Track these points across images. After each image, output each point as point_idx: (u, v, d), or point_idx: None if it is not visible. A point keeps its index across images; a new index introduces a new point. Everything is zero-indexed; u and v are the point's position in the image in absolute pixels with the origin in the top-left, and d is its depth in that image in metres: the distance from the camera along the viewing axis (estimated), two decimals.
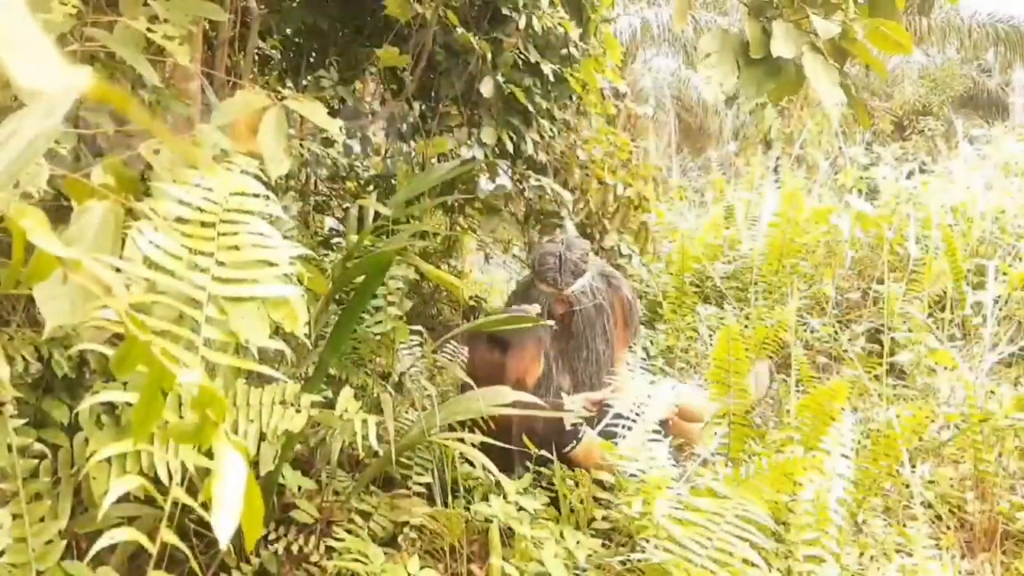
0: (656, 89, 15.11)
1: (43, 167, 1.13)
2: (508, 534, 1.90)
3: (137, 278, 0.93)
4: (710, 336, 3.76)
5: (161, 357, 0.67)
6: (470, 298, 4.02)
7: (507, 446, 2.12)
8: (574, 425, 2.30)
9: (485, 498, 2.01)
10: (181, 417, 1.28)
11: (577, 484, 2.07)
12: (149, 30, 1.40)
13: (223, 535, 0.63)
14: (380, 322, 2.38)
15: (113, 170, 1.15)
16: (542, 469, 2.21)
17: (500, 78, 3.33)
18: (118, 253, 1.01)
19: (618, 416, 2.32)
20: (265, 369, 1.04)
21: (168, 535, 0.98)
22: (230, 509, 0.63)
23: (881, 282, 4.01)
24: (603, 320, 2.77)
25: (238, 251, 1.08)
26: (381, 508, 2.00)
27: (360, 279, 2.04)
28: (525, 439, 2.17)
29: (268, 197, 1.19)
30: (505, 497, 1.91)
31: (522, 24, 3.37)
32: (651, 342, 3.82)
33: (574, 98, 3.85)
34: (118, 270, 0.90)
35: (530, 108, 3.46)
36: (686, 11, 2.33)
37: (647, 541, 1.75)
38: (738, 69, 2.02)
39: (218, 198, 1.12)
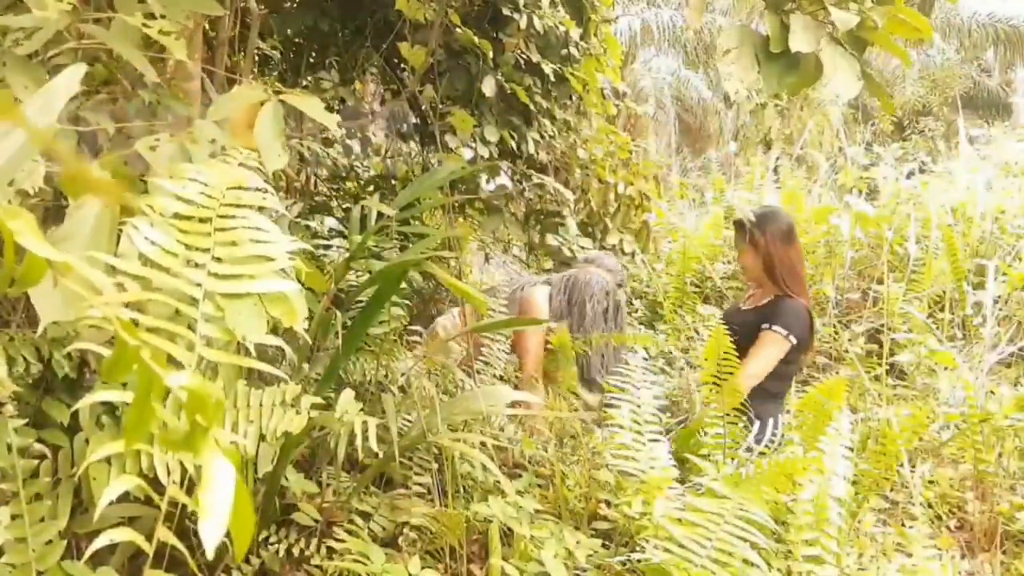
0: (656, 89, 15.08)
1: (40, 165, 1.13)
2: (508, 534, 1.89)
3: (132, 276, 0.92)
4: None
5: (151, 362, 0.66)
6: None
7: None
8: None
9: (485, 498, 2.01)
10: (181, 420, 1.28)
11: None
12: (145, 25, 1.39)
13: (209, 543, 0.62)
14: (384, 322, 2.38)
15: (111, 167, 1.14)
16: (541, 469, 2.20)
17: (501, 78, 3.33)
18: (113, 250, 1.00)
19: None
20: (268, 368, 1.03)
21: (165, 534, 0.98)
22: (217, 518, 0.63)
23: (881, 282, 4.00)
24: None
25: (235, 246, 1.07)
26: (381, 509, 1.99)
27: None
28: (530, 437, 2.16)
29: (266, 192, 1.18)
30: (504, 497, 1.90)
31: (523, 24, 3.37)
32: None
33: (574, 98, 3.86)
34: (113, 267, 0.89)
35: (531, 108, 3.45)
36: (703, 9, 2.32)
37: (647, 541, 1.75)
38: (758, 64, 2.01)
39: (215, 192, 1.11)
